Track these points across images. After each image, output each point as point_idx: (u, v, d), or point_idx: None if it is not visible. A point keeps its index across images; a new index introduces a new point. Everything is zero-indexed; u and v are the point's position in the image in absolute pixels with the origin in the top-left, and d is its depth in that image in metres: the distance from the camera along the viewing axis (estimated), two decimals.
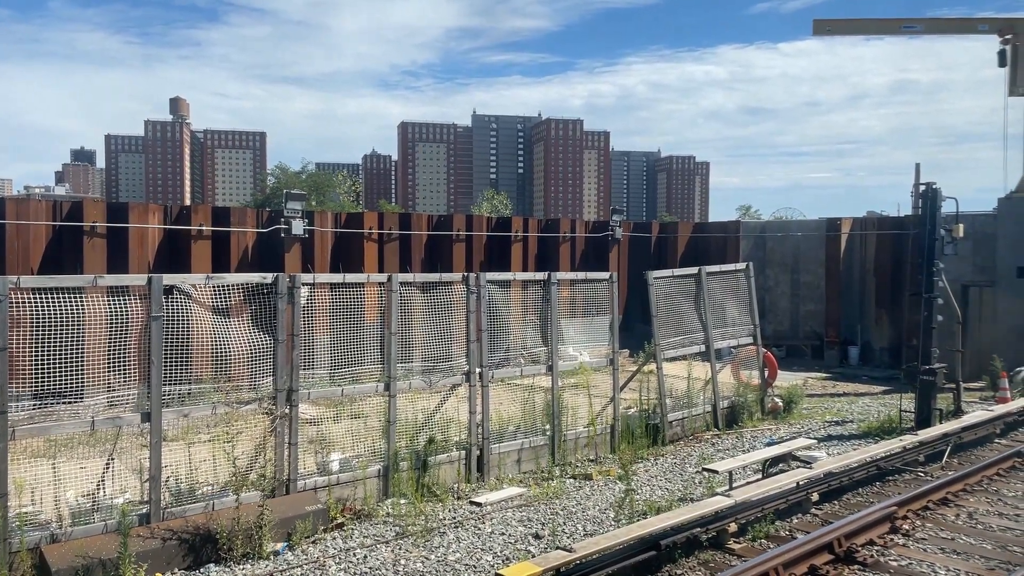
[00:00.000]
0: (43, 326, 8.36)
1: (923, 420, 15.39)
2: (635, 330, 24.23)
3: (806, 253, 29.23)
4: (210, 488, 9.74)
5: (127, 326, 9.05)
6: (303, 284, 10.69)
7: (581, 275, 15.17)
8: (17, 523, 8.21)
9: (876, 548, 8.98)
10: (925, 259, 15.89)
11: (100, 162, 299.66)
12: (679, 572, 8.34)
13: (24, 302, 8.34)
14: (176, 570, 8.67)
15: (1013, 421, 15.79)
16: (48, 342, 8.36)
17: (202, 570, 8.74)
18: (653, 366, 15.45)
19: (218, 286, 10.06)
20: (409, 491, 11.12)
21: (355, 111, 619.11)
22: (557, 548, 8.20)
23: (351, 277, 11.61)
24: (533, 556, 8.80)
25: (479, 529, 10.10)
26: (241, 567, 8.80)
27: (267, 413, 10.20)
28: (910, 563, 8.57)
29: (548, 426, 13.48)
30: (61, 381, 8.42)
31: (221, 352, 9.90)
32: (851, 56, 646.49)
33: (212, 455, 9.85)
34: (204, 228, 20.32)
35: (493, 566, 8.76)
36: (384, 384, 11.40)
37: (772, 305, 29.36)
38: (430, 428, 12.02)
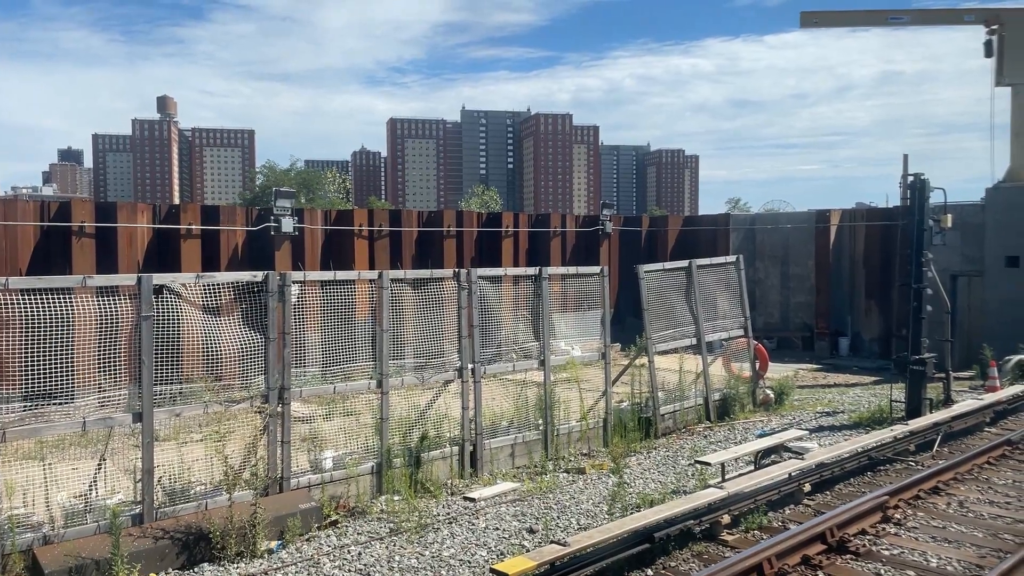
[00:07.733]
0: (32, 327, 8.32)
1: (913, 410, 15.48)
2: (626, 324, 24.29)
3: (796, 245, 29.33)
4: (203, 487, 9.72)
5: (117, 326, 9.01)
6: (293, 282, 10.67)
7: (572, 269, 15.19)
8: (9, 525, 8.18)
9: (868, 537, 9.04)
10: (914, 249, 15.96)
11: (88, 162, 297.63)
12: (673, 564, 8.36)
13: (13, 303, 8.30)
14: (170, 569, 8.65)
15: (1003, 410, 15.91)
16: (38, 343, 8.32)
17: (196, 569, 8.72)
18: (645, 359, 15.49)
19: (208, 285, 10.02)
20: (403, 487, 11.12)
21: (342, 108, 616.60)
22: (551, 542, 8.21)
23: (342, 274, 11.58)
24: (527, 551, 8.83)
25: (473, 525, 10.11)
26: (235, 566, 8.79)
27: (259, 411, 10.18)
28: (902, 552, 8.63)
29: (541, 421, 13.50)
30: (51, 382, 8.39)
31: (212, 351, 9.87)
32: (837, 48, 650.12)
33: (204, 454, 9.83)
34: (193, 227, 20.23)
35: (487, 561, 8.77)
36: (376, 381, 11.39)
37: (762, 297, 29.47)
38: (423, 424, 12.03)
